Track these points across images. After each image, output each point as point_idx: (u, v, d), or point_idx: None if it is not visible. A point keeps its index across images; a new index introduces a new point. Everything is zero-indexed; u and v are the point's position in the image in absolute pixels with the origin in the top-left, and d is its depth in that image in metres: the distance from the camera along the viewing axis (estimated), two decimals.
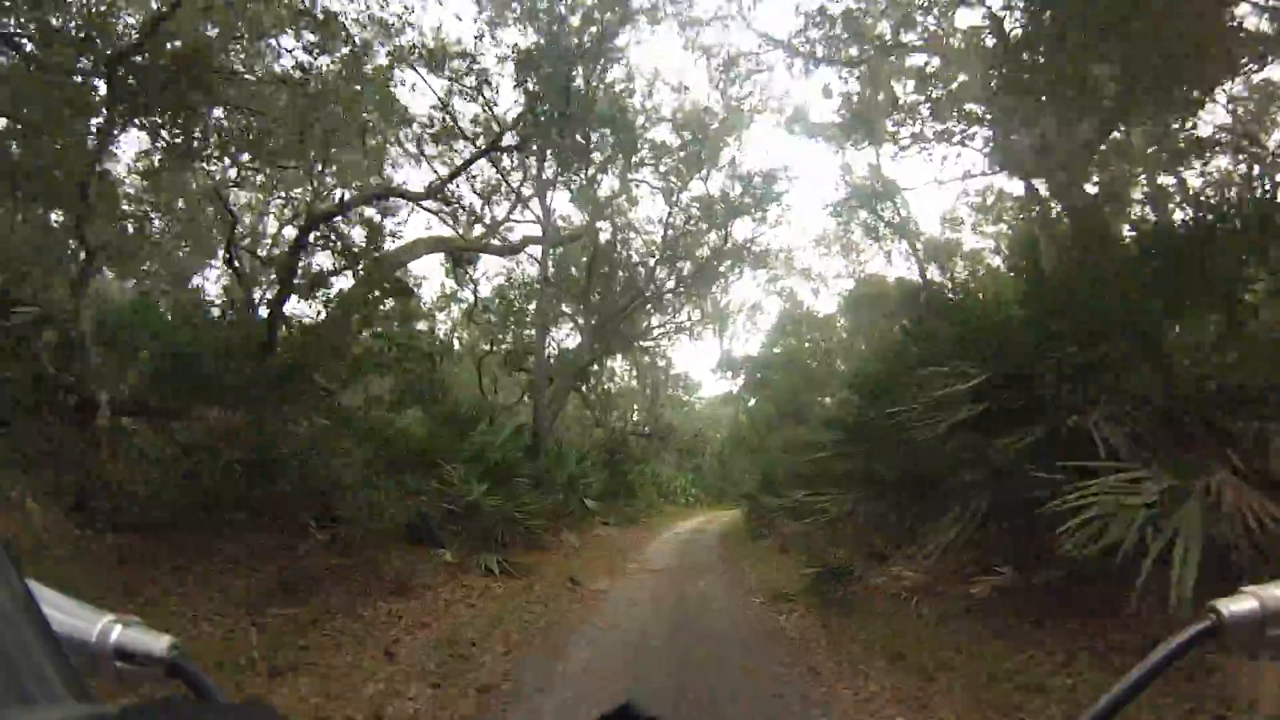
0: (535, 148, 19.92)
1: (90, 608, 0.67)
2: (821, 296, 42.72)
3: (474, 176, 18.47)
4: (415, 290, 21.96)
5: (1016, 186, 18.50)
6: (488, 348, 24.71)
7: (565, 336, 24.65)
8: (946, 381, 6.40)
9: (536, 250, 20.52)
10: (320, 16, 12.11)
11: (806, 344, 33.63)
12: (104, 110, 10.69)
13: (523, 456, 14.90)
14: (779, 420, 29.87)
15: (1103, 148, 12.80)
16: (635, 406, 36.85)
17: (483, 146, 16.70)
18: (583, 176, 20.44)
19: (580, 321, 22.97)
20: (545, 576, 11.41)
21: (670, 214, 22.39)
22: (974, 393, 6.33)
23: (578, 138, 19.77)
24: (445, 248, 20.64)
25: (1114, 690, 0.62)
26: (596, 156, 21.03)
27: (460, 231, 22.65)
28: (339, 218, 13.63)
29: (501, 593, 9.73)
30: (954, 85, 16.02)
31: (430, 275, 58.61)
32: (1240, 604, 0.63)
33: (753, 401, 35.80)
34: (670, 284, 23.21)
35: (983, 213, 22.44)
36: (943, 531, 6.47)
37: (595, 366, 23.71)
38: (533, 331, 22.53)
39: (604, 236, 21.88)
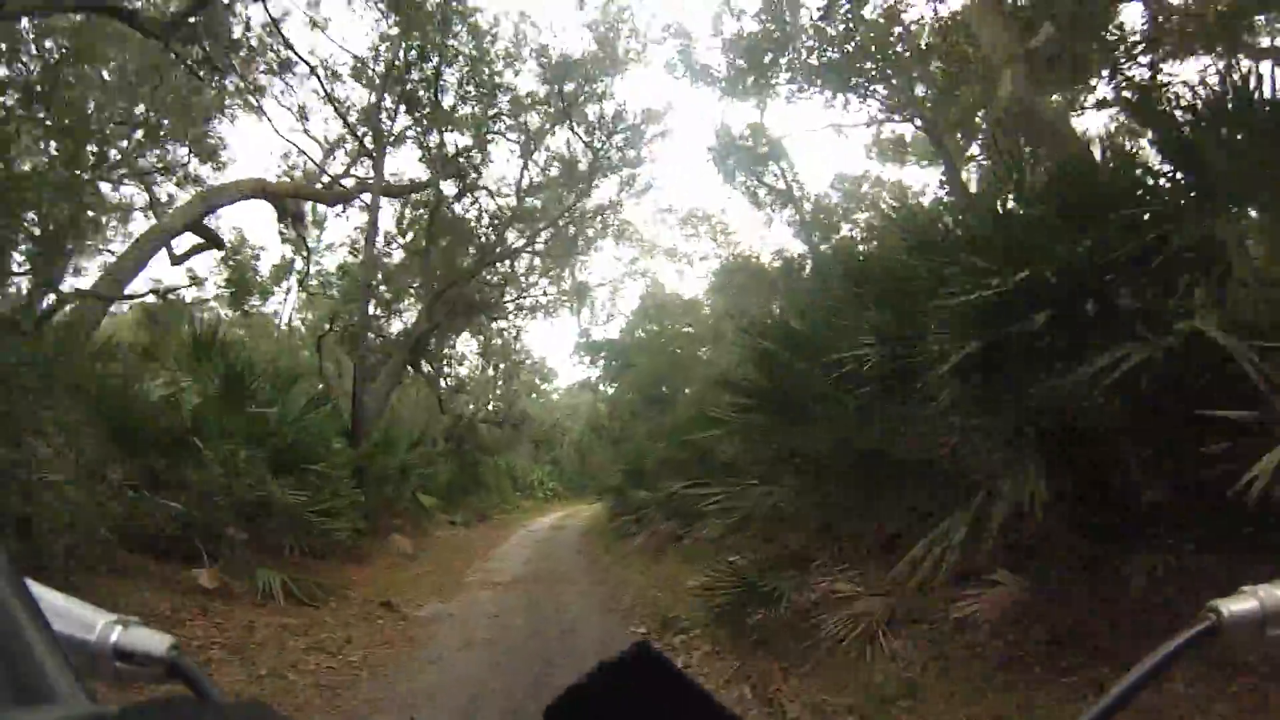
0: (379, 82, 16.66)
1: (90, 608, 0.65)
2: (687, 279, 40.71)
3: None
4: (225, 241, 18.18)
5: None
6: (328, 326, 20.99)
7: (407, 307, 21.20)
8: (964, 289, 4.01)
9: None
10: None
11: (670, 329, 31.58)
12: None
13: (335, 441, 11.65)
14: (642, 408, 27.69)
15: None
16: (490, 394, 33.63)
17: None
18: (431, 120, 17.26)
19: (418, 287, 19.71)
20: (351, 599, 8.41)
21: (525, 168, 19.52)
22: (997, 309, 3.98)
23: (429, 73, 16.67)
24: (267, 191, 16.94)
25: (1114, 690, 0.60)
26: (449, 100, 17.96)
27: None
28: None
29: (273, 630, 6.65)
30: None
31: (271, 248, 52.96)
32: (1240, 604, 0.62)
33: (613, 389, 33.45)
34: (522, 249, 20.30)
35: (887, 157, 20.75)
36: (941, 532, 4.14)
37: (435, 341, 20.45)
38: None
39: (450, 192, 18.75)
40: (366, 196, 16.05)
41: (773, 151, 20.31)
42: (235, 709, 0.53)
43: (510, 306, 23.08)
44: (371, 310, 19.15)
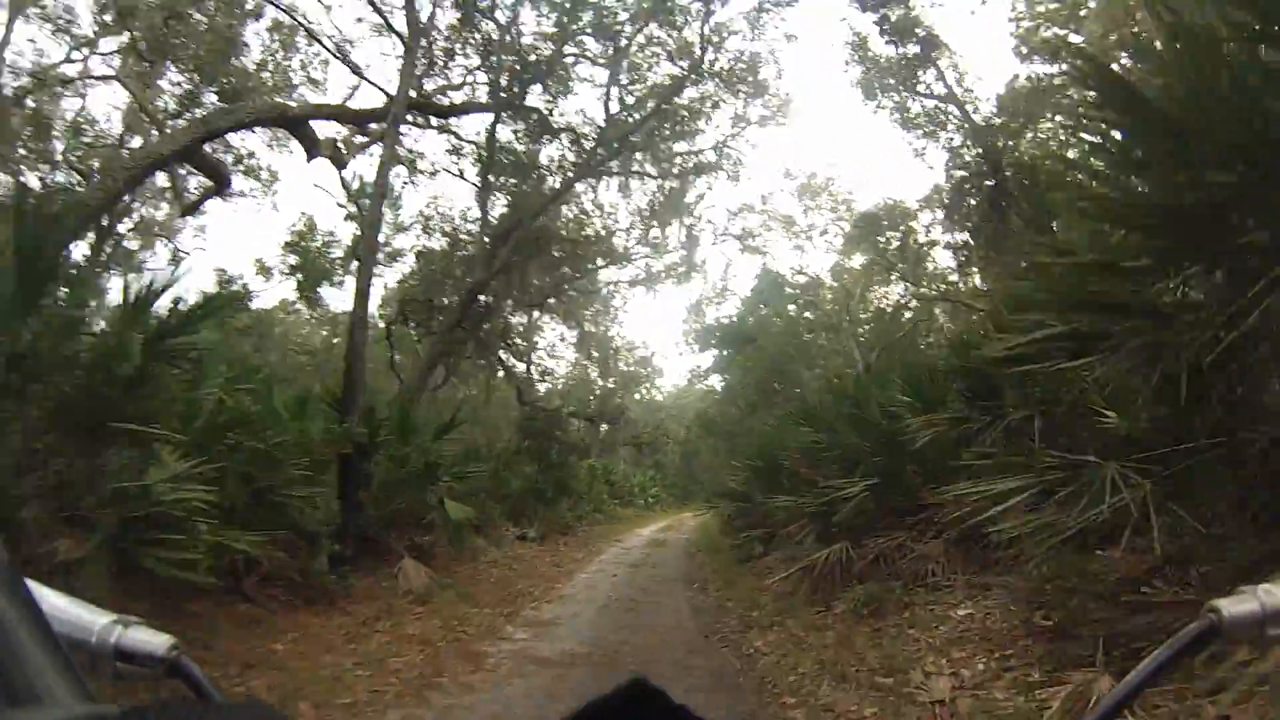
0: None
1: (90, 608, 0.64)
2: (809, 254, 34.91)
3: None
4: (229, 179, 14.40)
5: None
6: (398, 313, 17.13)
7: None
8: None
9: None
10: None
11: (792, 308, 26.40)
12: None
13: (301, 419, 7.35)
14: (761, 401, 22.74)
15: None
16: (583, 388, 29.29)
17: None
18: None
19: (475, 228, 15.45)
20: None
21: (609, 92, 15.00)
22: None
23: None
24: (285, 116, 13.07)
25: (1116, 690, 0.61)
26: None
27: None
28: None
29: None
30: None
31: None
32: (1241, 604, 0.61)
33: (725, 379, 28.53)
34: (613, 157, 15.70)
35: None
36: None
37: (499, 305, 16.14)
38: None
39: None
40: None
41: (927, 47, 15.01)
42: (235, 709, 0.52)
43: (600, 264, 18.62)
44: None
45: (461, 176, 15.71)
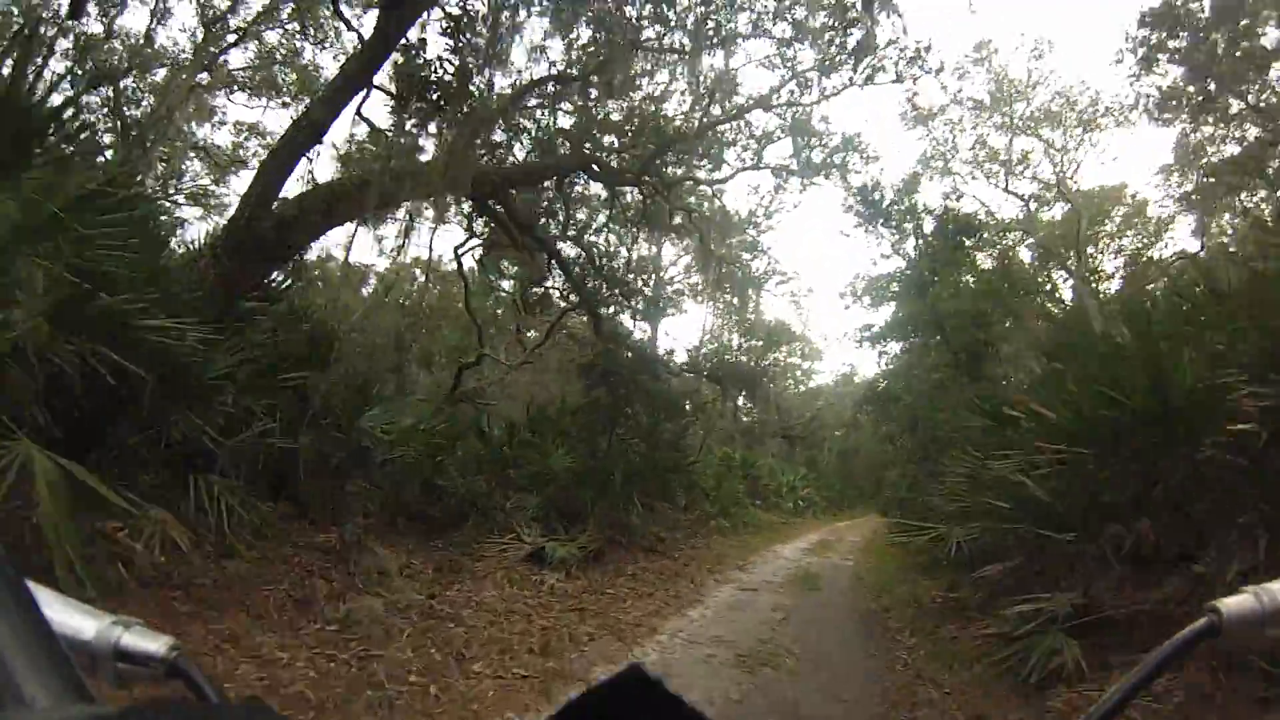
0: None
1: (90, 609, 0.63)
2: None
3: None
4: None
5: None
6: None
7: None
8: None
9: None
10: None
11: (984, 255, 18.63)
12: None
13: None
14: (956, 371, 15.49)
15: None
16: (705, 337, 22.78)
17: None
18: None
19: None
20: None
21: None
22: None
23: None
24: None
25: (1116, 689, 0.60)
26: None
27: None
28: None
29: None
30: None
31: None
32: (1240, 603, 0.61)
33: (898, 349, 21.19)
34: None
35: None
36: None
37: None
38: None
39: None
40: None
41: None
42: (235, 710, 0.53)
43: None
44: None
45: None
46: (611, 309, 11.78)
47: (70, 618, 0.62)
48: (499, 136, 11.15)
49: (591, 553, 8.09)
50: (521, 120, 11.10)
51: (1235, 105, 17.05)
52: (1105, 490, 4.78)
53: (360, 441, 7.08)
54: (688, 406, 13.90)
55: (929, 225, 14.57)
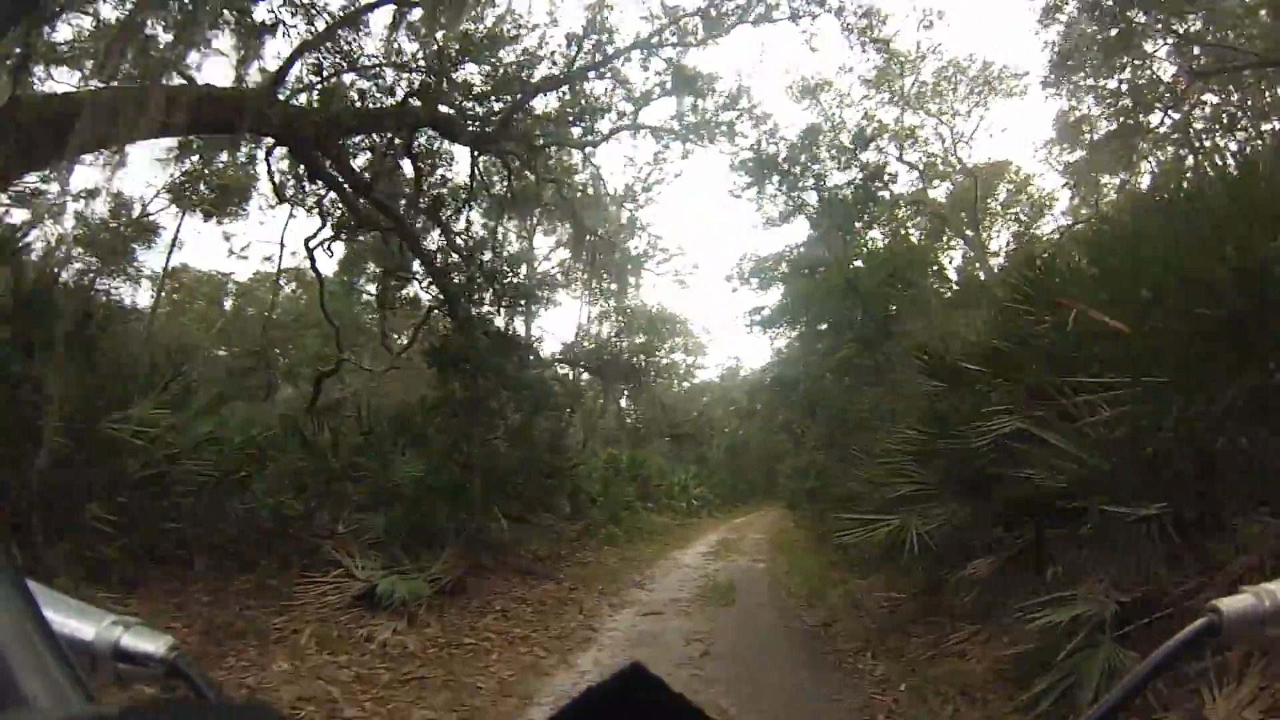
0: None
1: (91, 608, 0.62)
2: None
3: None
4: None
5: None
6: None
7: None
8: None
9: None
10: None
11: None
12: None
13: None
14: (863, 347, 14.41)
15: None
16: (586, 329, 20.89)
17: None
18: None
19: None
20: None
21: None
22: None
23: None
24: None
25: (1117, 688, 0.59)
26: None
27: None
28: None
29: None
30: None
31: None
32: (1241, 602, 0.60)
33: (795, 333, 20.07)
34: None
35: None
36: None
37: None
38: None
39: None
40: None
41: None
42: (235, 710, 0.52)
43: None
44: None
45: None
46: (475, 297, 9.70)
47: (70, 618, 0.60)
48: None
49: (449, 585, 6.09)
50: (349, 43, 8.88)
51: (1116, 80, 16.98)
52: (1185, 437, 3.28)
53: (106, 452, 4.90)
54: (564, 403, 12.01)
55: (835, 177, 13.17)
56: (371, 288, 16.21)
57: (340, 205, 11.81)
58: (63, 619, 0.59)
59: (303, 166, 9.27)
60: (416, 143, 9.78)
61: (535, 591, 7.11)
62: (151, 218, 18.01)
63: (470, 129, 9.70)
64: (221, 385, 10.84)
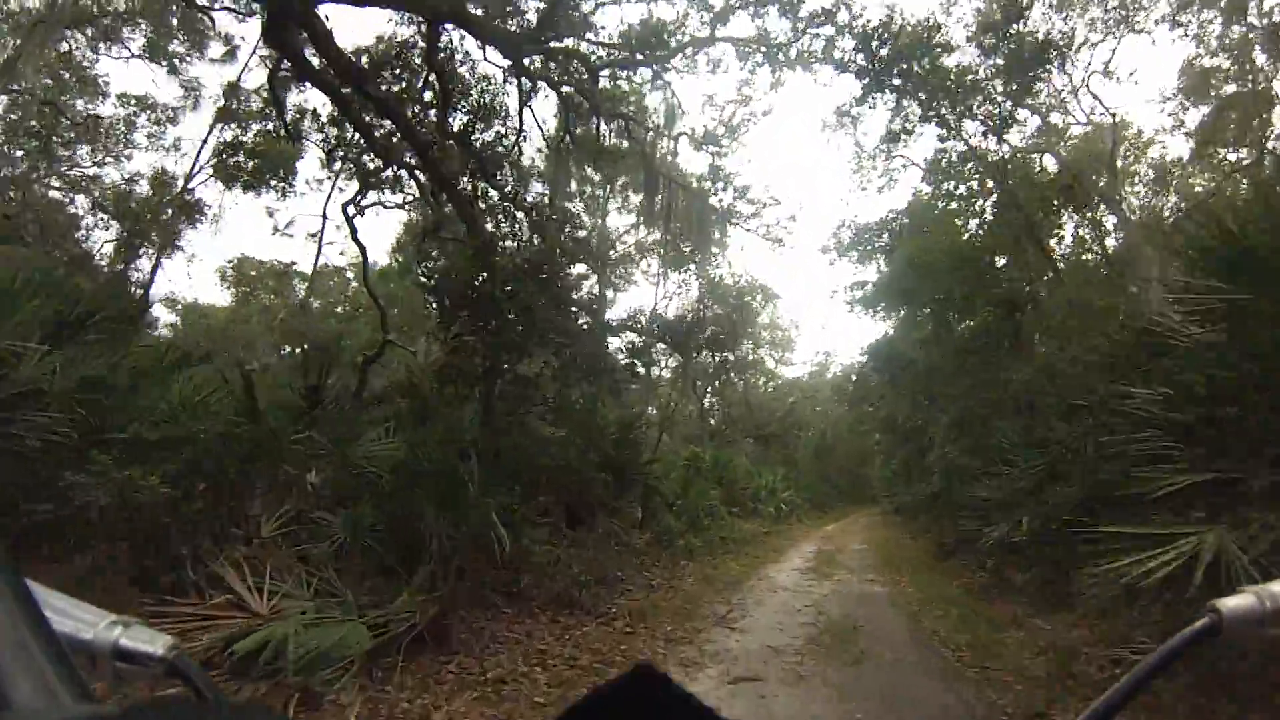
0: None
1: (90, 608, 0.61)
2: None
3: None
4: None
5: None
6: None
7: None
8: None
9: None
10: None
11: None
12: None
13: None
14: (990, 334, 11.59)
15: None
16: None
17: None
18: None
19: None
20: None
21: None
22: None
23: None
24: None
25: (1118, 686, 0.59)
26: None
27: None
28: None
29: None
30: None
31: None
32: (1241, 602, 0.60)
33: (895, 318, 17.23)
34: None
35: None
36: None
37: None
38: None
39: None
40: None
41: None
42: (235, 710, 0.51)
43: None
44: None
45: None
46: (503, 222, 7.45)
47: (70, 617, 0.59)
48: None
49: (415, 629, 3.84)
50: None
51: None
52: None
53: None
54: (636, 377, 9.69)
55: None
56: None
57: (370, 151, 9.91)
58: (62, 619, 0.58)
59: (286, 60, 7.27)
60: (440, 44, 7.65)
61: (566, 638, 4.79)
62: (193, 195, 16.69)
63: (502, 28, 7.52)
64: (283, 382, 9.07)
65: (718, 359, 20.54)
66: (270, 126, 13.79)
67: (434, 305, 6.55)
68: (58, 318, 4.26)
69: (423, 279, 7.02)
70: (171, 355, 5.50)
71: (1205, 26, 15.80)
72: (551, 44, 8.05)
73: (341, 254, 22.65)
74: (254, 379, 5.04)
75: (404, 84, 7.96)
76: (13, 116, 15.38)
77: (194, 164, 16.27)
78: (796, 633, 5.66)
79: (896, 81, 9.22)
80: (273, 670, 3.08)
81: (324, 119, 9.40)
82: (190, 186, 16.41)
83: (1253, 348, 3.71)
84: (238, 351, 18.20)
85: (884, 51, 8.69)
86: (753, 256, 62.47)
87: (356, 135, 9.50)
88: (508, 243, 7.66)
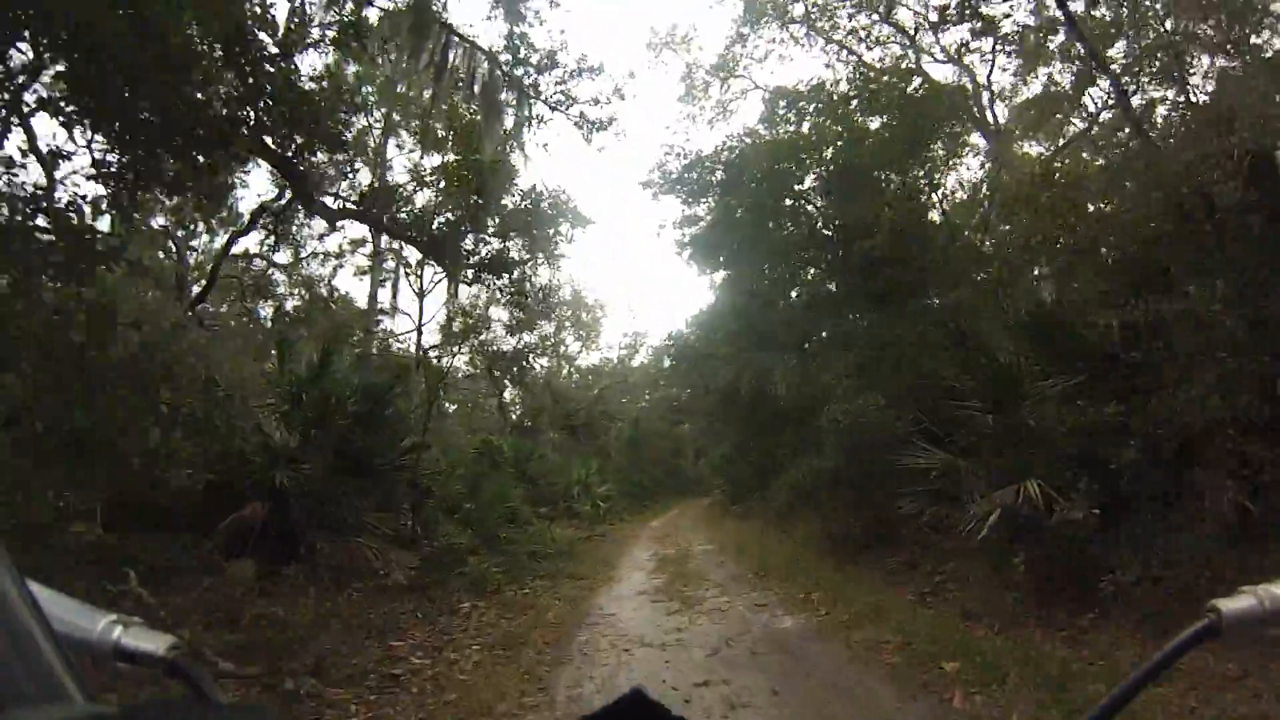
0: None
1: (91, 608, 0.60)
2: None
3: None
4: None
5: None
6: None
7: None
8: None
9: None
10: None
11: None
12: None
13: None
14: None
15: None
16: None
17: None
18: None
19: None
20: None
21: None
22: None
23: None
24: None
25: (1118, 687, 0.58)
26: None
27: None
28: None
29: None
30: None
31: None
32: (1240, 603, 0.58)
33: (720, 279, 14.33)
34: None
35: None
36: None
37: None
38: None
39: None
40: None
41: None
42: (235, 710, 0.49)
43: None
44: None
45: None
46: None
47: (70, 617, 0.58)
48: None
49: None
50: None
51: None
52: None
53: None
54: None
55: None
56: None
57: None
58: (62, 618, 0.56)
59: None
60: None
61: None
62: None
63: None
64: None
65: (515, 330, 16.66)
66: None
67: None
68: None
69: None
70: None
71: None
72: None
73: None
74: None
75: None
76: None
77: None
78: None
79: None
80: None
81: None
82: None
83: None
84: None
85: None
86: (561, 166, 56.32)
87: None
88: None
